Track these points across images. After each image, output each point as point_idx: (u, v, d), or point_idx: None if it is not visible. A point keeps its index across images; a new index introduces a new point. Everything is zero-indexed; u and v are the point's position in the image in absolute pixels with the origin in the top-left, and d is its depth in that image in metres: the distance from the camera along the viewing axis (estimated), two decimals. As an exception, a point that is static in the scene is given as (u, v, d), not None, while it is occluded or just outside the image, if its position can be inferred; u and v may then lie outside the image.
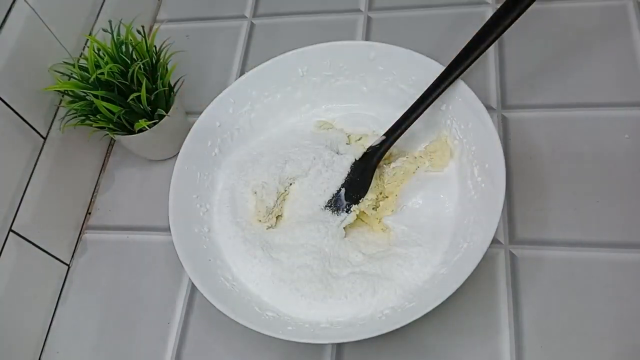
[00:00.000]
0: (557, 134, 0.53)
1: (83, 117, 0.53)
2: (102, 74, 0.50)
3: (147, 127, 0.53)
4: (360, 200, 0.51)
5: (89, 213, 0.59)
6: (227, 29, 0.68)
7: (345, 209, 0.51)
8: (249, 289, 0.48)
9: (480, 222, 0.44)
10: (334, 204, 0.51)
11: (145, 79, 0.51)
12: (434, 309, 0.40)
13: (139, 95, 0.51)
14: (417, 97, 0.50)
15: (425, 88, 0.49)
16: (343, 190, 0.51)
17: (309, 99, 0.57)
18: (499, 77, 0.57)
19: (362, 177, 0.51)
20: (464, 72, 0.47)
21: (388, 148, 0.51)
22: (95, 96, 0.51)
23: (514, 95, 0.56)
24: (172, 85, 0.56)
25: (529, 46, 0.59)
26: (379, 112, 0.55)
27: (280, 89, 0.56)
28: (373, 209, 0.51)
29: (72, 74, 0.53)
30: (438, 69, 0.49)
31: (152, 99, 0.53)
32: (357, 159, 0.52)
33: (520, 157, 0.52)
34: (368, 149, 0.52)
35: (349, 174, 0.52)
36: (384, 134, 0.51)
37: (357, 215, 0.50)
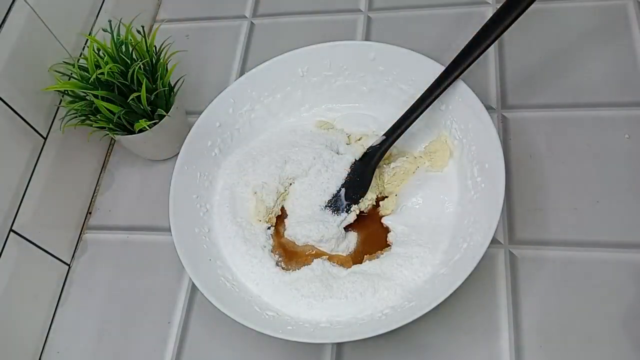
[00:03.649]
0: (557, 134, 0.53)
1: (83, 117, 0.53)
2: (102, 74, 0.50)
3: (147, 127, 0.53)
4: (360, 200, 0.51)
5: (90, 213, 0.59)
6: (227, 29, 0.68)
7: (345, 209, 0.51)
8: (249, 289, 0.48)
9: (480, 222, 0.44)
10: (334, 204, 0.51)
11: (145, 79, 0.51)
12: (433, 309, 0.40)
13: (139, 95, 0.51)
14: (417, 97, 0.50)
15: (425, 88, 0.49)
16: (343, 190, 0.51)
17: (309, 99, 0.57)
18: (499, 77, 0.57)
19: (362, 177, 0.51)
20: (464, 72, 0.47)
21: (388, 148, 0.51)
22: (95, 96, 0.51)
23: (514, 95, 0.56)
24: (172, 85, 0.56)
25: (529, 46, 0.58)
26: (379, 112, 0.55)
27: (280, 89, 0.56)
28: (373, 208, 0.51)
29: (72, 74, 0.53)
30: (438, 69, 0.49)
31: (152, 99, 0.53)
32: (357, 159, 0.52)
33: (520, 157, 0.52)
34: (368, 149, 0.52)
35: (349, 174, 0.52)
36: (384, 134, 0.51)
37: (357, 215, 0.50)
